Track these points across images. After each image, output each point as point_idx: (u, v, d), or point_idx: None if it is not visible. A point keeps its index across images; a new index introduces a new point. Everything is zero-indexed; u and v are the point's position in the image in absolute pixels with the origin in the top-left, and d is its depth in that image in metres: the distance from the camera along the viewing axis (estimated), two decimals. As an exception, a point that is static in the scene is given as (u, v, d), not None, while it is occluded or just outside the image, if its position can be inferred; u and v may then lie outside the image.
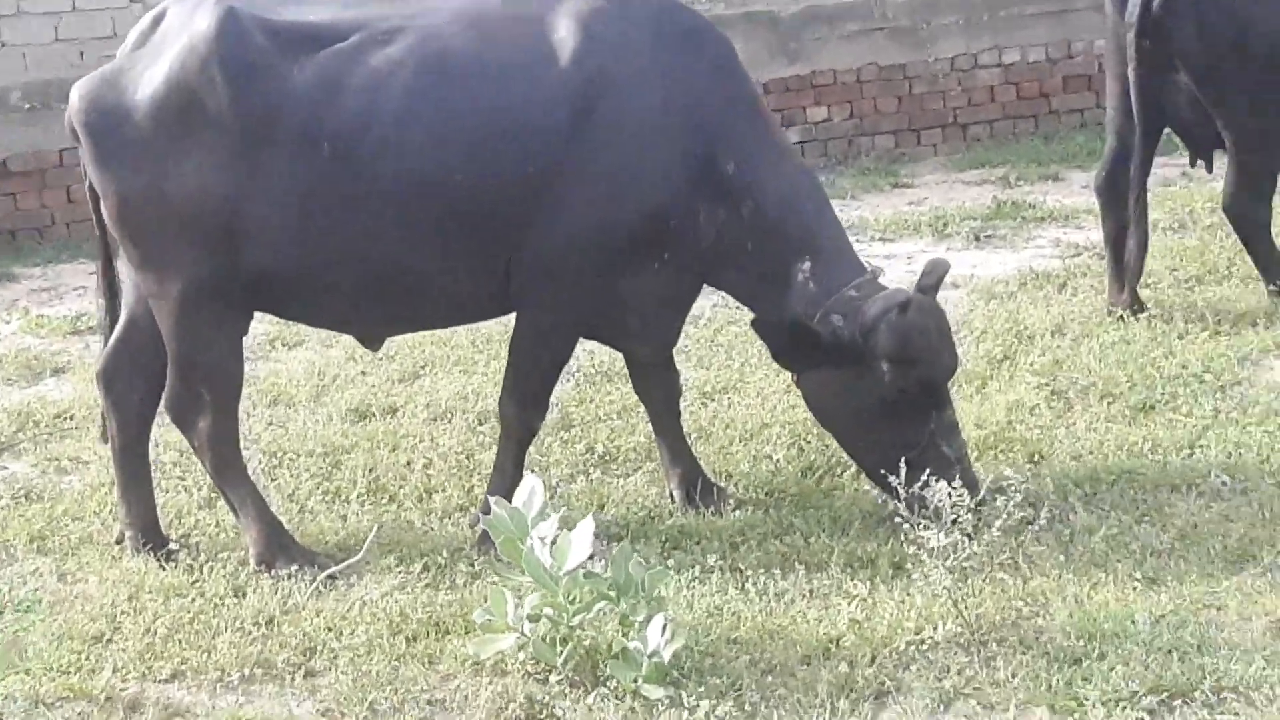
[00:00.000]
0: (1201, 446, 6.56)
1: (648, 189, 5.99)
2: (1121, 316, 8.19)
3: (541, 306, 6.13)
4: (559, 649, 5.03)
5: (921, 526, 5.14)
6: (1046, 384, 7.31)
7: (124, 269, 6.35)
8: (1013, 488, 5.24)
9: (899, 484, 5.43)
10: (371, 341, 6.66)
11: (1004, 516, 5.22)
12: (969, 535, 5.15)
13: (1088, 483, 6.28)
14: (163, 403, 6.24)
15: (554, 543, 5.02)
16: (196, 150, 5.88)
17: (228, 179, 5.88)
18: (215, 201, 5.89)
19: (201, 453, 6.22)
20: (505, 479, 6.14)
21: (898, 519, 5.31)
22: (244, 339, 6.27)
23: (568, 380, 7.82)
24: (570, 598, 5.03)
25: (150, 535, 6.30)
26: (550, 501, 6.34)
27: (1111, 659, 4.95)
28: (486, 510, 5.35)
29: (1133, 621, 5.15)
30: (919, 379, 5.85)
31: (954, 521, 5.11)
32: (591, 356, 7.96)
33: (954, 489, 5.15)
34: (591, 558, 5.13)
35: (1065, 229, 10.36)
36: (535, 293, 6.09)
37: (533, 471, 6.63)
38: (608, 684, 4.96)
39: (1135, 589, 5.42)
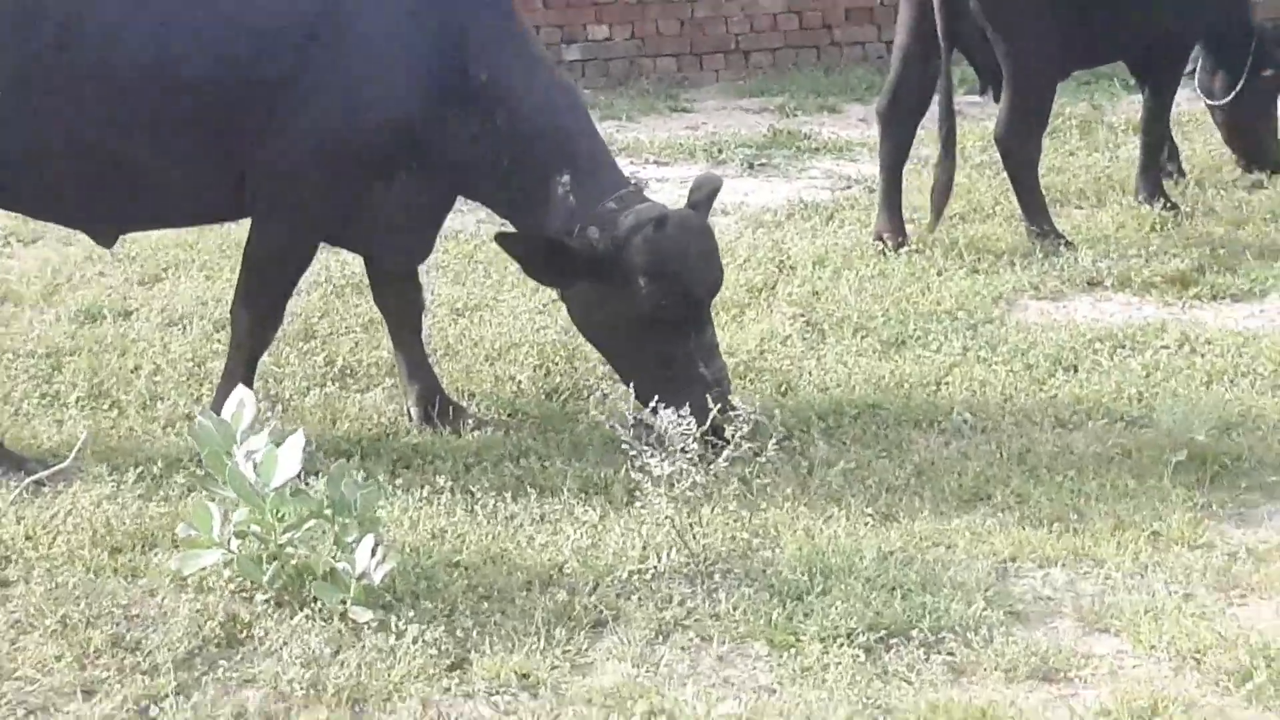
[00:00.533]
0: (947, 384, 6.52)
1: (390, 98, 5.74)
2: (883, 251, 8.13)
3: (278, 215, 5.87)
4: (265, 567, 4.78)
5: (648, 454, 4.97)
6: (802, 315, 7.21)
7: None
8: (741, 418, 5.10)
9: (638, 405, 5.27)
10: (103, 238, 6.34)
11: (731, 446, 5.07)
12: (693, 464, 4.99)
13: (831, 415, 6.19)
14: None
15: (261, 458, 4.75)
16: None
17: None
18: None
19: (-98, 347, 5.85)
20: (231, 389, 5.84)
21: (624, 445, 5.13)
22: None
23: (314, 290, 7.55)
24: (279, 515, 4.78)
25: None
26: (281, 414, 6.16)
27: (834, 595, 4.85)
28: None
29: (860, 557, 5.06)
30: (675, 295, 5.66)
31: (682, 450, 4.95)
32: (344, 267, 7.69)
33: (680, 415, 4.99)
34: (305, 474, 4.89)
35: (839, 161, 10.31)
36: (271, 200, 5.83)
37: (266, 382, 6.43)
38: (315, 605, 4.74)
39: (867, 524, 5.33)
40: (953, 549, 5.22)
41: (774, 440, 5.26)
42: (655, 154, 10.34)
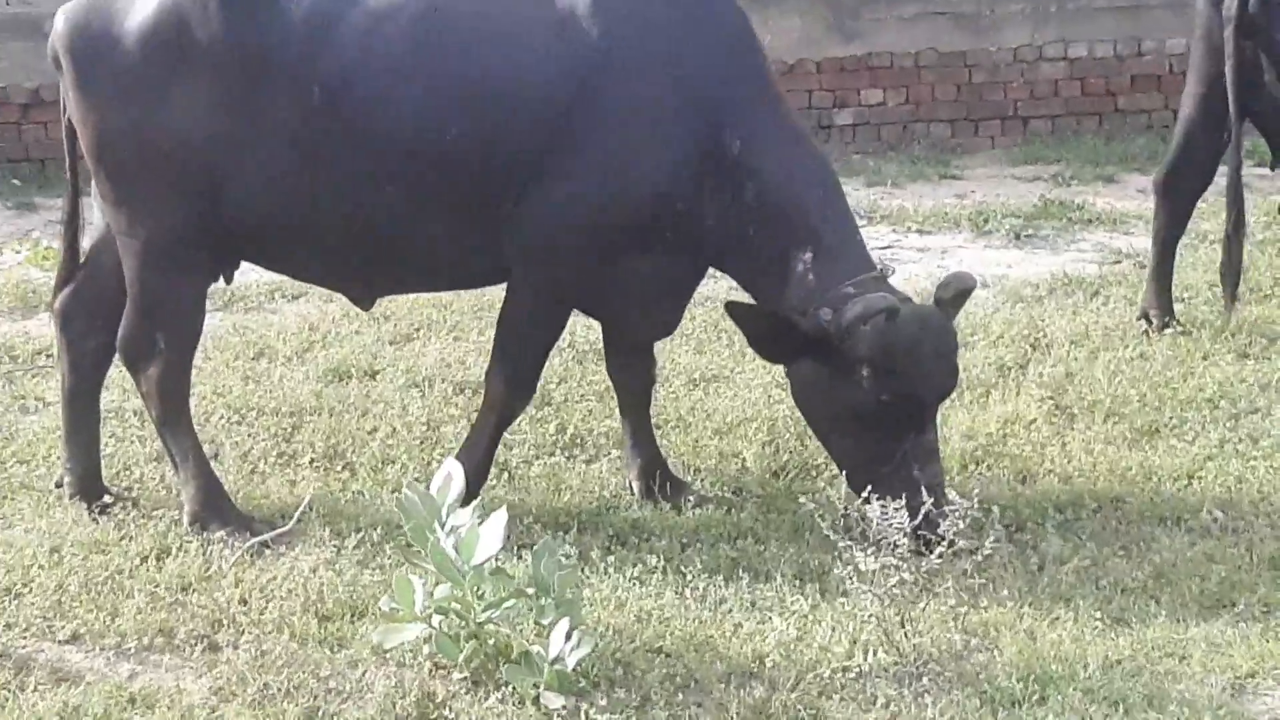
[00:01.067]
0: (1199, 478, 6.16)
1: (651, 168, 5.64)
2: (1147, 331, 7.78)
3: (534, 283, 5.81)
4: (462, 645, 4.73)
5: (857, 547, 4.78)
6: (1050, 397, 6.90)
7: (96, 204, 6.09)
8: (957, 512, 4.87)
9: (859, 498, 5.06)
10: (361, 301, 6.33)
11: (945, 543, 4.84)
12: (904, 560, 4.77)
13: (1070, 508, 5.90)
14: (117, 342, 5.96)
15: (462, 534, 4.70)
16: (184, 84, 5.60)
17: (213, 118, 5.59)
18: (199, 141, 5.61)
19: (149, 400, 5.97)
20: (474, 455, 5.86)
21: (833, 537, 4.95)
22: (231, 286, 6.08)
23: (555, 356, 7.51)
24: (478, 593, 4.73)
25: (88, 484, 6.08)
26: (507, 482, 6.13)
27: (1051, 706, 4.59)
28: None
29: (1083, 665, 4.78)
30: (899, 392, 5.42)
31: (894, 545, 4.74)
32: (588, 331, 7.64)
33: (892, 509, 4.78)
34: (504, 552, 4.83)
35: (1112, 234, 9.91)
36: (529, 268, 5.78)
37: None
38: (509, 687, 4.66)
39: (1095, 629, 5.05)
40: (1187, 660, 4.90)
41: (993, 537, 5.00)
42: (919, 222, 10.09)
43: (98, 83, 5.72)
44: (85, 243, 6.25)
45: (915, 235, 9.93)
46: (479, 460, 5.88)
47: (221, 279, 6.13)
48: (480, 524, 4.76)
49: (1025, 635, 5.00)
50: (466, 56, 5.64)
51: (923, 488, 5.32)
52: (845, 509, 4.99)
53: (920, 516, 5.00)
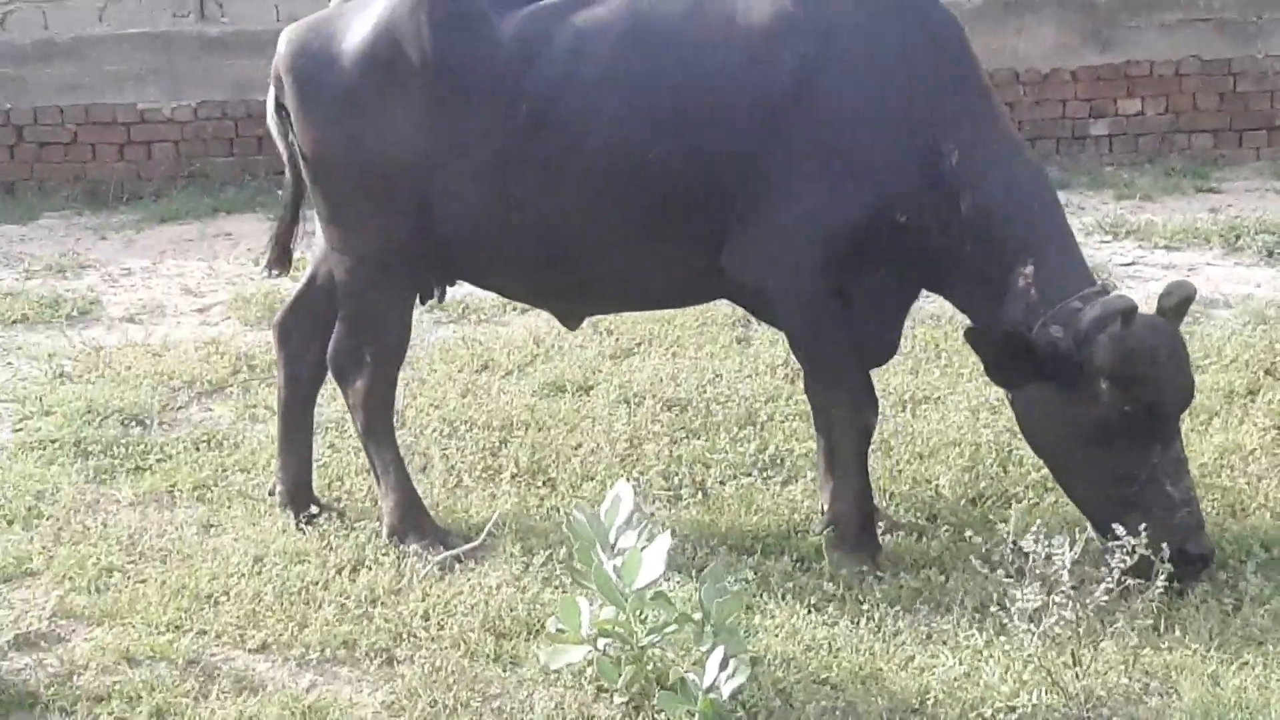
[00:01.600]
0: None
1: (871, 177, 5.53)
2: (1396, 356, 7.41)
3: (786, 305, 5.70)
4: (622, 669, 4.76)
5: (1019, 584, 4.66)
6: (1277, 427, 6.62)
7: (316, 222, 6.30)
8: (1124, 547, 4.70)
9: (1018, 530, 4.94)
10: (569, 319, 6.40)
11: (1110, 579, 4.68)
12: (1067, 598, 4.63)
13: (1279, 546, 5.64)
14: (327, 355, 6.14)
15: (626, 558, 4.73)
16: (398, 103, 5.74)
17: (426, 136, 5.72)
18: (411, 159, 5.74)
19: (354, 411, 6.14)
20: (850, 485, 5.76)
21: (984, 571, 4.83)
22: (464, 298, 6.21)
23: (768, 374, 7.52)
24: (640, 616, 4.75)
25: (298, 494, 6.28)
26: (702, 499, 6.13)
27: (1225, 755, 4.41)
28: None
29: (1267, 714, 4.58)
30: (1141, 402, 5.23)
31: (1054, 581, 4.61)
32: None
33: (1053, 542, 4.64)
34: (666, 576, 4.84)
35: (1372, 253, 9.45)
36: (771, 293, 5.68)
37: (693, 467, 6.43)
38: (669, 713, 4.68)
39: (1285, 676, 4.83)
40: (1377, 715, 4.66)
41: (1164, 575, 4.82)
42: (1166, 238, 9.76)
43: (317, 102, 5.88)
44: (309, 259, 6.46)
45: (1161, 252, 9.62)
46: (856, 491, 5.76)
47: (436, 296, 6.26)
48: (645, 548, 4.77)
49: (1208, 680, 4.82)
50: (669, 70, 5.62)
51: (1178, 504, 5.19)
52: (1014, 542, 4.86)
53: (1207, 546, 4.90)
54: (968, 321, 5.69)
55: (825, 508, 6.02)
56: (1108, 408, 5.24)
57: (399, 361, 6.19)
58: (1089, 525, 5.31)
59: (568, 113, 5.64)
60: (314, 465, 6.44)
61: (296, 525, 6.12)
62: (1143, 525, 4.90)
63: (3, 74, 11.64)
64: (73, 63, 11.60)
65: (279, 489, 6.36)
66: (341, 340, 6.06)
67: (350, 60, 5.80)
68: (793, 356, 7.44)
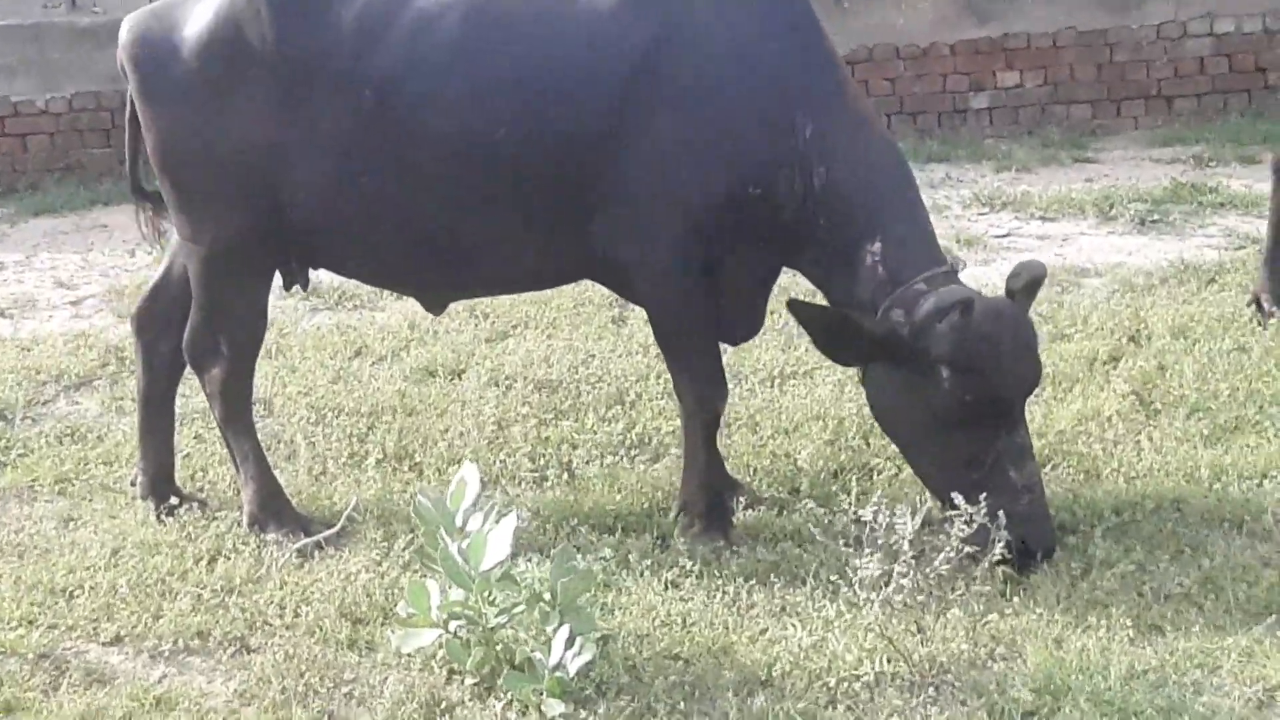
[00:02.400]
0: (1271, 479, 5.92)
1: (722, 150, 5.49)
2: (1257, 320, 7.50)
3: (646, 282, 5.67)
4: (471, 651, 4.76)
5: (861, 553, 4.70)
6: (1134, 393, 6.70)
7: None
8: (964, 518, 4.75)
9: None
10: (432, 305, 6.34)
11: (949, 548, 4.73)
12: (908, 566, 4.68)
13: (1129, 509, 5.72)
14: (183, 344, 6.08)
15: (470, 541, 4.73)
16: (240, 91, 5.68)
17: (270, 123, 5.66)
18: (256, 147, 5.68)
19: (212, 400, 6.09)
20: (696, 467, 5.78)
21: (831, 543, 4.87)
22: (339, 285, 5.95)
23: (640, 354, 7.53)
24: (489, 598, 4.75)
25: (159, 486, 6.24)
26: (567, 481, 6.13)
27: (1065, 716, 4.46)
28: None
29: (1105, 675, 4.65)
30: (981, 392, 5.22)
31: (896, 551, 4.66)
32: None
33: (895, 512, 4.68)
34: (512, 557, 4.84)
35: (1245, 217, 9.58)
36: (632, 270, 5.66)
37: (559, 448, 6.43)
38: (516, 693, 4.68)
39: (1127, 637, 4.89)
40: (1216, 672, 4.74)
41: (1001, 542, 4.88)
42: (1042, 209, 9.85)
43: (160, 90, 5.82)
44: (166, 249, 6.40)
45: (1037, 222, 9.72)
46: (703, 472, 5.77)
47: (300, 283, 6.20)
48: (491, 530, 4.77)
49: (1052, 644, 4.87)
50: (511, 51, 5.59)
51: (1020, 490, 5.22)
52: (856, 513, 4.89)
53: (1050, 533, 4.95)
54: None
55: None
56: (949, 395, 5.23)
57: (256, 350, 6.13)
58: (930, 496, 5.35)
59: (411, 95, 5.58)
60: (177, 456, 6.39)
61: (157, 516, 6.08)
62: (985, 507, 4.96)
63: (-127, 68, 11.49)
64: (-57, 55, 11.46)
65: (140, 480, 6.31)
66: (196, 330, 6.01)
67: (191, 47, 5.73)
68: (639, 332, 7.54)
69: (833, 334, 5.41)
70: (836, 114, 5.61)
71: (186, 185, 5.88)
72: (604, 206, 5.59)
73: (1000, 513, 5.05)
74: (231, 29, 5.68)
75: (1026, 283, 5.49)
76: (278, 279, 6.04)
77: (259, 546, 5.79)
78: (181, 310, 6.14)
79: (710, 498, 5.73)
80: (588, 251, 5.69)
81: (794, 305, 5.52)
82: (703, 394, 5.72)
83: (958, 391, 5.22)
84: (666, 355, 5.82)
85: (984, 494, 5.10)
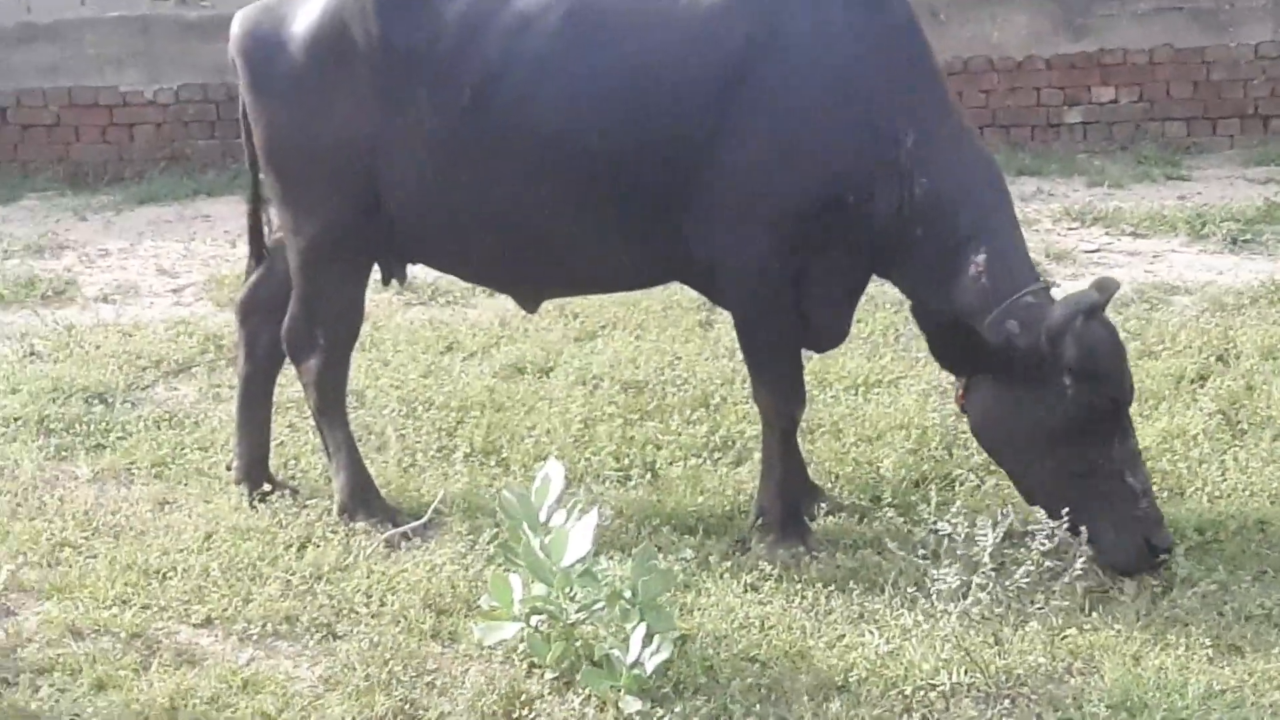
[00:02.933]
0: (1357, 502, 5.91)
1: (819, 157, 5.50)
2: (1349, 343, 7.48)
3: (735, 285, 5.70)
4: (552, 645, 4.84)
5: (940, 564, 4.74)
6: (1221, 412, 6.69)
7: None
8: (1045, 531, 4.78)
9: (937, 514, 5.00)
10: (526, 302, 6.41)
11: (1030, 562, 4.76)
12: (988, 578, 4.71)
13: (1213, 528, 5.73)
14: (281, 334, 6.20)
15: (552, 536, 4.81)
16: (345, 86, 5.78)
17: (372, 118, 5.76)
18: (358, 141, 5.78)
19: (307, 390, 6.22)
20: (774, 475, 5.80)
21: (898, 552, 4.91)
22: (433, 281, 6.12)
23: (723, 358, 7.59)
24: (569, 594, 4.83)
25: (253, 472, 6.36)
26: (651, 481, 6.20)
27: (1136, 734, 4.49)
28: None
29: (1182, 694, 4.66)
30: (1106, 396, 5.25)
31: (976, 563, 4.69)
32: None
33: (975, 524, 4.72)
34: (594, 554, 4.91)
35: (1340, 239, 9.51)
36: (729, 272, 5.68)
37: (644, 449, 6.50)
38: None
39: (1206, 656, 4.90)
40: (1295, 694, 4.74)
41: (1082, 558, 4.90)
42: (1133, 225, 9.82)
43: (267, 84, 5.94)
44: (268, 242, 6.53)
45: (1128, 239, 9.68)
46: (780, 480, 5.80)
47: (397, 278, 6.30)
48: (573, 526, 4.85)
49: (1130, 660, 4.89)
50: (606, 53, 5.62)
51: (1140, 494, 5.25)
52: (934, 524, 4.93)
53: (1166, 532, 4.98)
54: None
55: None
56: (1074, 403, 5.24)
57: (352, 342, 6.25)
58: (1013, 510, 5.36)
59: (509, 94, 5.64)
60: (272, 444, 6.51)
61: (249, 503, 6.21)
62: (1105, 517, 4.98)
63: (-14, 56, 11.74)
64: (54, 45, 11.70)
65: (235, 466, 6.44)
66: (294, 320, 6.13)
67: (298, 43, 5.84)
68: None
69: (951, 337, 5.42)
70: (938, 124, 5.63)
71: (290, 178, 6.00)
72: (697, 208, 5.62)
73: (1123, 525, 5.10)
74: (338, 24, 5.79)
75: (1102, 299, 5.45)
76: (375, 273, 6.16)
77: (348, 535, 5.90)
78: (283, 301, 6.25)
79: (786, 507, 5.77)
80: (679, 253, 5.74)
81: (917, 310, 5.58)
82: (780, 402, 5.76)
83: (1083, 397, 5.23)
84: (749, 360, 5.86)
85: (1102, 502, 5.14)
